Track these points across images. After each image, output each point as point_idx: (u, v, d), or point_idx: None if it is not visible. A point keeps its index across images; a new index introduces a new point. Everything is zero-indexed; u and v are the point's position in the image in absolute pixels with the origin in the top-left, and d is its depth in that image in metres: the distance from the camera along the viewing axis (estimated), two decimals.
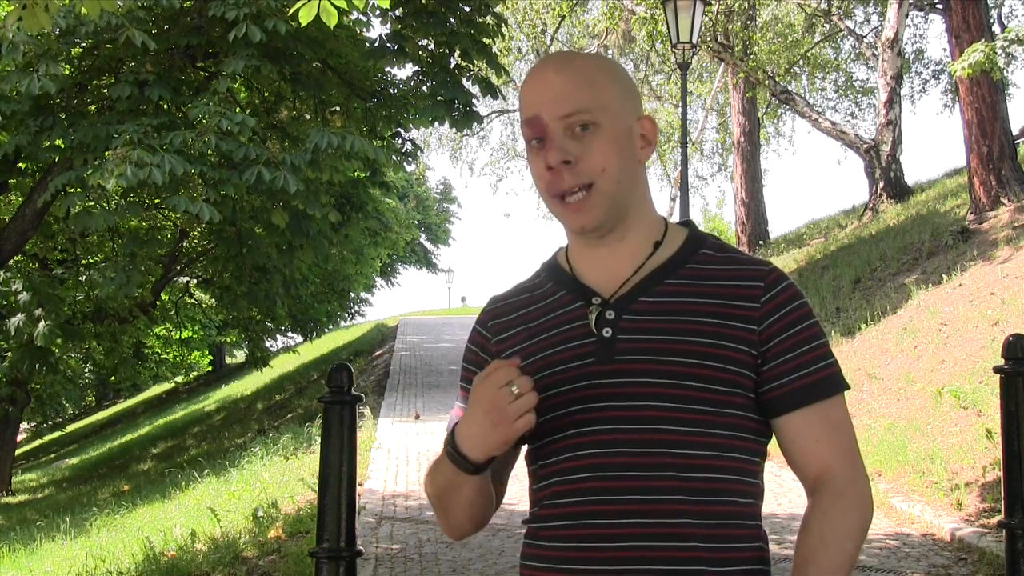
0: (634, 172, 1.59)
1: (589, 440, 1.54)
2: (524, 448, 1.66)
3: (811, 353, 1.56)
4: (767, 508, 7.18)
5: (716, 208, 39.49)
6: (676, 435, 1.51)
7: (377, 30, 56.92)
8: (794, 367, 1.54)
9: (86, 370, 26.70)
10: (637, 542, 1.49)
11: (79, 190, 10.96)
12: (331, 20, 4.56)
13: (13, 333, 12.73)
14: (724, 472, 1.52)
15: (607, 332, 1.56)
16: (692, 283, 1.58)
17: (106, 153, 10.18)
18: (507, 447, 1.52)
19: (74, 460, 24.06)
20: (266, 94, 13.47)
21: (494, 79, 12.51)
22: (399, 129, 13.55)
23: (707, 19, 16.91)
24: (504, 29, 13.50)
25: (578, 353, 1.57)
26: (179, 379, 35.34)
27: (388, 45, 11.28)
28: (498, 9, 12.24)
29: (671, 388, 1.51)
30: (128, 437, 24.35)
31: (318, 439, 5.43)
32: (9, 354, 14.50)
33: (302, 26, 5.24)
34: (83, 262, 16.59)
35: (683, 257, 1.60)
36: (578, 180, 1.55)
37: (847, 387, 1.59)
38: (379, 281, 36.15)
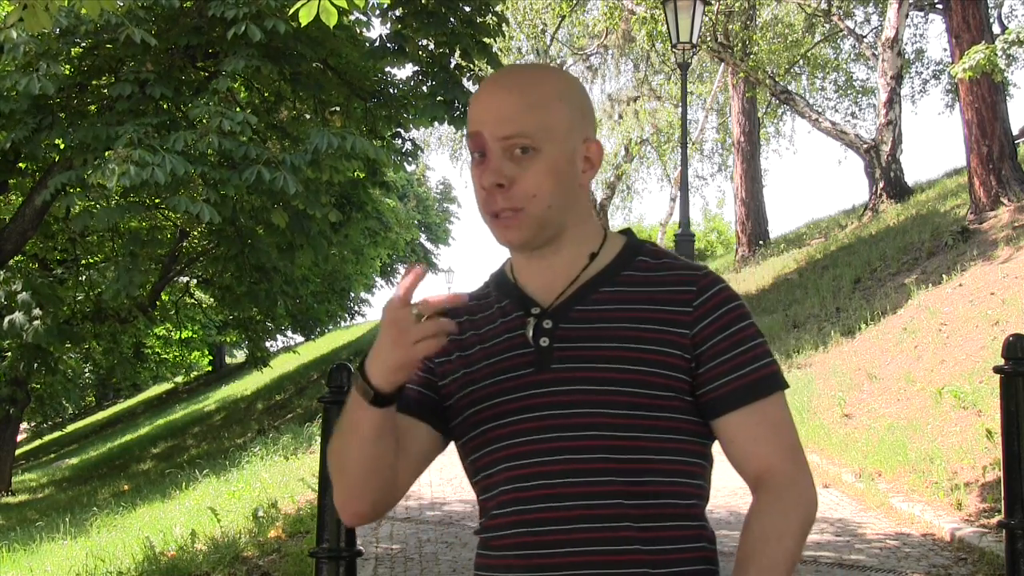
0: (571, 195, 1.60)
1: (533, 448, 1.56)
2: (444, 452, 1.68)
3: (747, 354, 1.57)
4: None
5: (716, 208, 39.43)
6: (615, 440, 1.53)
7: (377, 30, 56.91)
8: (730, 368, 1.56)
9: (86, 370, 26.71)
10: (583, 547, 1.52)
11: (79, 190, 10.97)
12: (331, 19, 4.56)
13: (7, 328, 12.72)
14: (664, 475, 1.54)
15: (544, 341, 1.59)
16: (627, 290, 1.60)
17: (107, 153, 10.18)
18: (408, 371, 1.50)
19: (74, 460, 24.07)
20: (266, 94, 13.48)
21: None
22: (399, 129, 13.56)
23: (707, 19, 16.91)
24: (504, 29, 13.51)
25: (518, 363, 1.59)
26: (179, 379, 35.35)
27: (388, 45, 11.29)
28: (498, 9, 12.24)
29: (607, 395, 1.53)
30: (128, 437, 24.36)
31: (318, 439, 5.44)
32: (9, 354, 14.50)
33: (302, 26, 5.24)
34: (83, 262, 16.60)
35: (619, 265, 1.63)
36: (509, 204, 1.56)
37: (786, 386, 1.61)
38: (379, 281, 36.15)
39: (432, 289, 1.50)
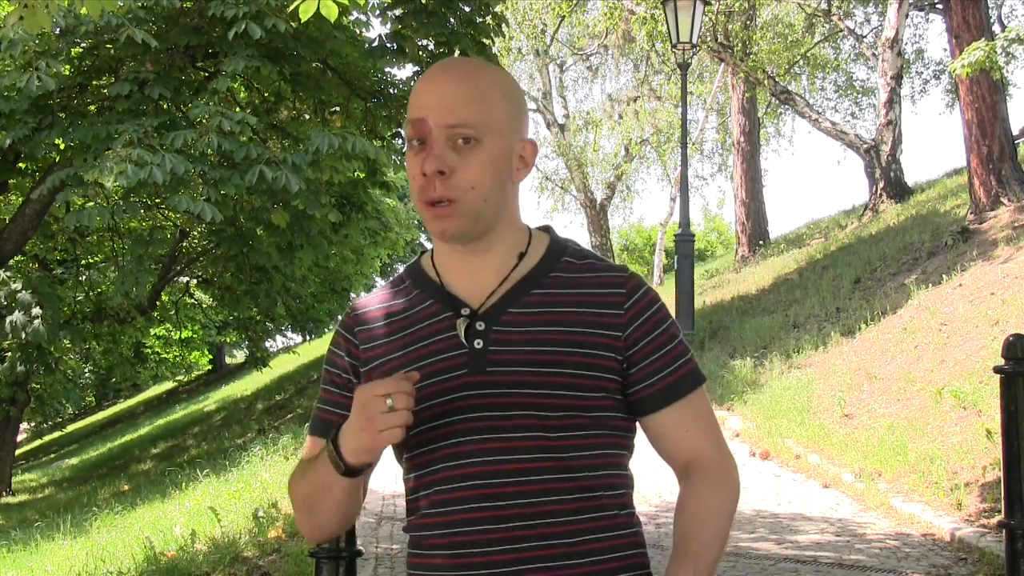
0: (505, 191, 1.63)
1: (470, 449, 1.58)
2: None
3: (672, 353, 1.65)
4: (768, 508, 7.13)
5: (716, 208, 39.51)
6: (548, 441, 1.57)
7: (377, 30, 56.95)
8: (659, 367, 1.63)
9: (86, 370, 26.71)
10: (521, 543, 1.56)
11: (76, 189, 10.95)
12: (331, 15, 4.54)
13: (9, 330, 12.72)
14: (596, 470, 1.60)
15: (478, 344, 1.60)
16: (557, 292, 1.63)
17: (106, 152, 10.18)
18: (372, 456, 1.56)
19: (74, 460, 24.07)
20: (266, 94, 13.47)
21: None
22: (399, 129, 13.55)
23: (707, 19, 16.91)
24: (504, 29, 13.51)
25: (450, 365, 1.61)
26: (179, 379, 35.35)
27: (387, 45, 11.29)
28: (498, 9, 12.23)
29: (542, 397, 1.57)
30: (128, 437, 24.36)
31: None
32: (9, 354, 14.51)
33: (302, 23, 5.24)
34: (83, 262, 16.60)
35: (546, 267, 1.65)
36: (448, 192, 1.58)
37: (704, 380, 1.69)
38: (379, 281, 36.15)
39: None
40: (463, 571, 1.58)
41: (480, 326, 1.61)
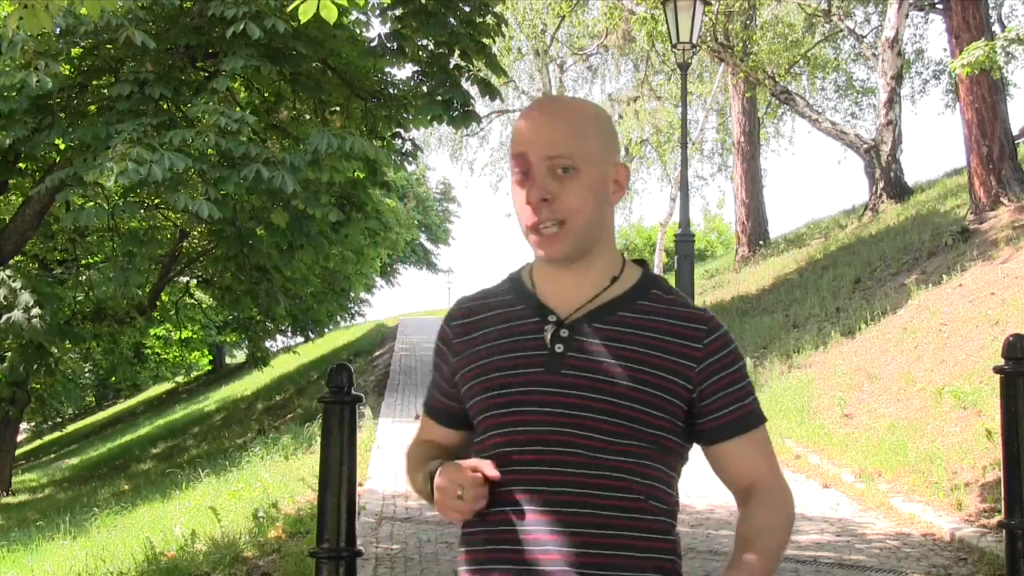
0: (604, 213, 1.82)
1: (533, 438, 1.76)
2: None
3: (743, 390, 1.82)
4: None
5: (716, 208, 39.48)
6: (602, 443, 1.74)
7: (377, 30, 56.91)
8: (729, 402, 1.81)
9: (86, 370, 26.70)
10: (564, 528, 1.72)
11: (76, 189, 10.95)
12: (331, 16, 4.53)
13: (8, 326, 12.71)
14: (641, 478, 1.76)
15: (559, 348, 1.79)
16: (642, 317, 1.80)
17: (106, 152, 10.17)
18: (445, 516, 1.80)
19: (74, 460, 24.07)
20: (266, 94, 13.47)
21: (494, 80, 12.52)
22: (399, 129, 13.55)
23: (707, 19, 16.91)
24: (504, 29, 13.51)
25: (530, 362, 1.79)
26: (179, 379, 35.34)
27: (387, 44, 11.28)
28: (498, 9, 12.23)
29: (605, 403, 1.74)
30: (128, 437, 24.35)
31: (318, 439, 5.43)
32: (9, 354, 14.50)
33: (302, 23, 5.23)
34: (83, 262, 16.59)
35: (637, 294, 1.83)
36: (553, 216, 1.76)
37: (766, 420, 1.86)
38: (379, 281, 36.12)
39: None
40: (509, 545, 1.75)
41: (564, 333, 1.80)
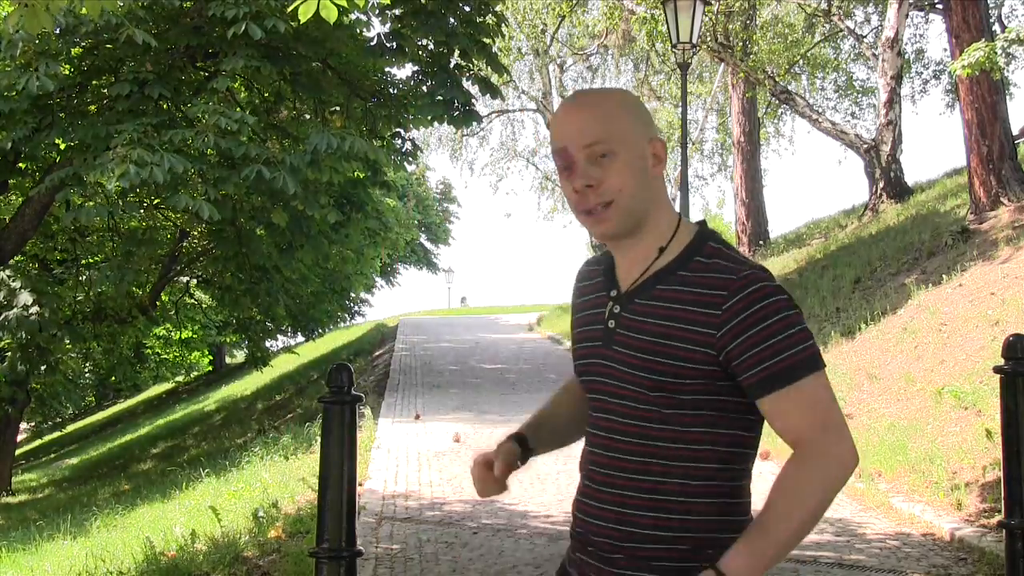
0: (649, 186, 1.92)
1: (596, 404, 1.97)
2: None
3: (776, 347, 1.81)
4: None
5: (716, 208, 39.50)
6: (643, 413, 1.87)
7: (377, 29, 56.89)
8: (757, 361, 1.81)
9: (86, 370, 26.70)
10: (611, 489, 1.91)
11: (76, 189, 10.95)
12: (331, 16, 4.54)
13: (10, 323, 12.71)
14: (686, 445, 1.86)
15: (612, 324, 1.94)
16: (677, 289, 1.88)
17: (106, 152, 10.17)
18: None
19: (74, 460, 24.06)
20: (266, 94, 13.47)
21: (494, 79, 12.52)
22: (399, 129, 13.55)
23: (707, 19, 16.91)
24: (504, 29, 13.51)
25: (596, 335, 1.98)
26: (179, 379, 35.33)
27: (387, 44, 11.29)
28: (498, 9, 12.23)
29: (642, 379, 1.86)
30: (128, 437, 24.35)
31: (318, 439, 5.43)
32: (9, 354, 14.50)
33: (301, 23, 5.23)
34: (83, 262, 16.59)
35: (677, 264, 1.91)
36: (600, 199, 1.88)
37: (817, 367, 1.82)
38: (379, 281, 36.12)
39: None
40: (581, 497, 1.98)
41: (616, 309, 1.95)
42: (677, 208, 16.50)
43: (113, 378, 28.58)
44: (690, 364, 1.83)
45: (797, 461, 1.79)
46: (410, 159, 15.13)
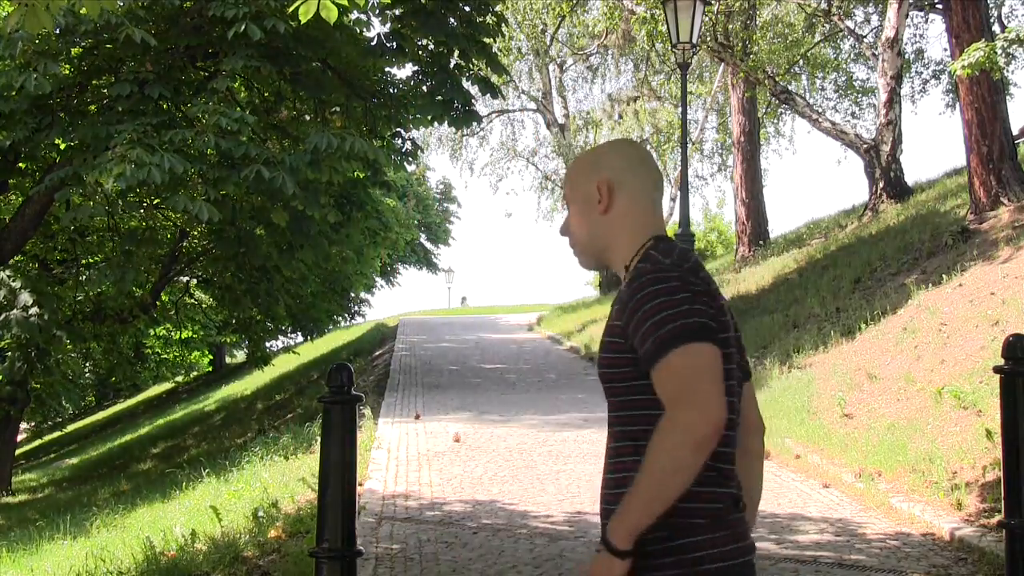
0: (599, 223, 2.26)
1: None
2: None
3: (652, 327, 2.06)
4: (768, 508, 7.07)
5: (716, 208, 39.41)
6: (611, 403, 2.20)
7: (377, 29, 56.87)
8: (640, 343, 2.09)
9: (86, 370, 26.70)
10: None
11: (76, 189, 10.95)
12: (331, 16, 4.54)
13: (11, 323, 12.71)
14: (636, 426, 2.12)
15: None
16: (621, 299, 2.18)
17: (106, 152, 10.17)
18: None
19: (74, 460, 24.06)
20: (266, 94, 13.47)
21: (494, 79, 12.52)
22: (399, 129, 13.55)
23: (707, 19, 16.91)
24: (504, 28, 13.51)
25: None
26: (179, 379, 35.34)
27: (387, 44, 11.29)
28: (498, 9, 12.23)
29: (602, 375, 2.20)
30: (128, 437, 24.35)
31: (318, 439, 5.43)
32: (9, 354, 14.51)
33: (302, 24, 5.23)
34: (83, 262, 16.59)
35: (631, 277, 2.18)
36: (570, 243, 2.33)
37: (685, 340, 2.05)
38: (379, 281, 36.12)
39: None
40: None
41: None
42: (677, 208, 16.18)
43: (113, 378, 28.59)
44: (617, 353, 2.14)
45: (655, 430, 2.03)
46: (410, 159, 15.14)
